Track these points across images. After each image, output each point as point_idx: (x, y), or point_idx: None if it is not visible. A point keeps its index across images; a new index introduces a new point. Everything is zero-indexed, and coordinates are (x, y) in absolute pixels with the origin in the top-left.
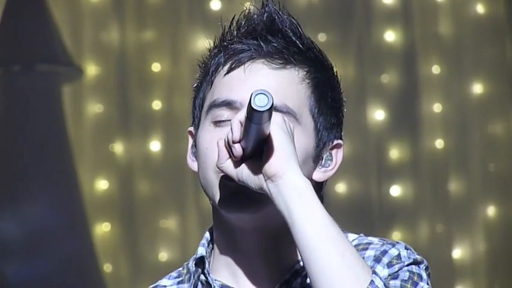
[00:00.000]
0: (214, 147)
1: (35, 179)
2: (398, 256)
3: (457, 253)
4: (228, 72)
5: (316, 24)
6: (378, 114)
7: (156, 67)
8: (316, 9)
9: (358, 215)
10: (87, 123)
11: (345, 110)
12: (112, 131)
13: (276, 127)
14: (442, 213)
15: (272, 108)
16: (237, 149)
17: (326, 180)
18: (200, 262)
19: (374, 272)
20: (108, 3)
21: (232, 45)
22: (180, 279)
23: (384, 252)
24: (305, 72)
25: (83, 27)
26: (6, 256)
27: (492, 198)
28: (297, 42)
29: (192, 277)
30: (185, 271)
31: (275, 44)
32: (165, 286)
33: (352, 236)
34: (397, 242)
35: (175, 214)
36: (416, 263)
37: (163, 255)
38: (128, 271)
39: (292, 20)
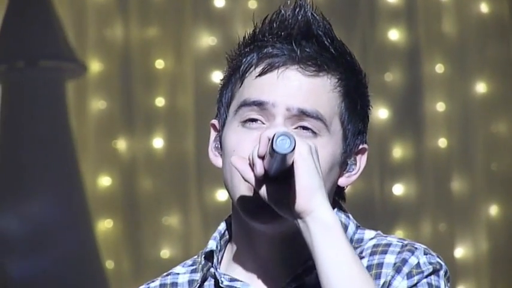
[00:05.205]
0: (241, 149)
1: (37, 175)
2: (418, 265)
3: (460, 252)
4: (261, 74)
5: None
6: (381, 113)
7: (159, 64)
8: (320, 7)
9: (361, 214)
10: (91, 119)
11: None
12: (115, 127)
13: (301, 161)
14: (444, 212)
15: (294, 149)
16: (258, 169)
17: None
18: (210, 256)
19: None
20: (112, 0)
21: (266, 48)
22: (194, 267)
23: (404, 261)
24: (337, 80)
25: (87, 24)
26: (9, 252)
27: (495, 197)
28: (330, 48)
29: (202, 269)
30: (199, 259)
31: (309, 50)
32: (178, 273)
33: (369, 233)
34: (416, 248)
35: (178, 211)
36: (435, 270)
37: (166, 252)
38: (130, 268)
39: (326, 23)
